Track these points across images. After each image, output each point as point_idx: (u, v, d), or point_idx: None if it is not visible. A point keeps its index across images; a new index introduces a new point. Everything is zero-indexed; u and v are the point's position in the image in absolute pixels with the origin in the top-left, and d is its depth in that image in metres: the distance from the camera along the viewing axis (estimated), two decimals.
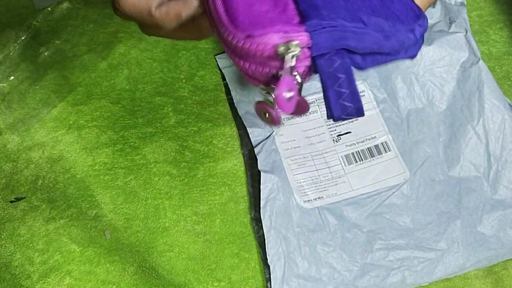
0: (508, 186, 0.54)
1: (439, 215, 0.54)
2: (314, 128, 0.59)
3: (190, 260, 0.54)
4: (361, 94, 0.59)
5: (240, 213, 0.56)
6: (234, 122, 0.60)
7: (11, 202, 0.57)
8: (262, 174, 0.55)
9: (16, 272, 0.54)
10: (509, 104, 0.58)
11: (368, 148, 0.57)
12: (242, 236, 0.55)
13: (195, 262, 0.54)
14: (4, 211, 0.57)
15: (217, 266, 0.54)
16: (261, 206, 0.54)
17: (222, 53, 0.63)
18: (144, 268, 0.54)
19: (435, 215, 0.54)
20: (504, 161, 0.55)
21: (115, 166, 0.59)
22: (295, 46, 0.30)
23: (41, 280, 0.53)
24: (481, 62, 0.59)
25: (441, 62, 0.59)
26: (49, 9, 0.65)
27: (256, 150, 0.57)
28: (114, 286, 0.53)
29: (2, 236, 0.55)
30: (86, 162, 0.59)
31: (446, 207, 0.54)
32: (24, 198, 0.57)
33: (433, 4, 0.63)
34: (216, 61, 0.62)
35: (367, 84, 0.60)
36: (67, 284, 0.53)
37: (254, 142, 0.58)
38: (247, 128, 0.58)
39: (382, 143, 0.57)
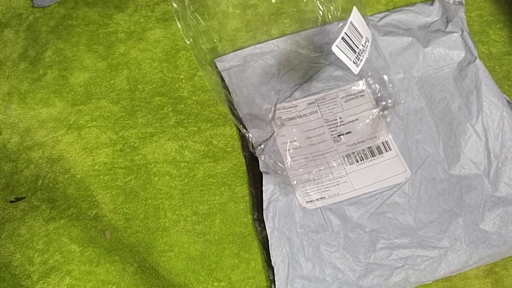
0: (508, 183, 0.55)
1: (441, 213, 0.54)
2: (315, 129, 0.58)
3: (190, 260, 0.54)
4: (361, 93, 0.59)
5: (240, 213, 0.56)
6: (234, 122, 0.60)
7: (11, 202, 0.57)
8: (264, 175, 0.55)
9: (16, 272, 0.54)
10: (507, 101, 0.58)
11: (369, 147, 0.57)
12: (242, 236, 0.55)
13: (195, 262, 0.54)
14: (4, 211, 0.56)
15: (217, 266, 0.54)
16: (264, 207, 0.54)
17: (221, 55, 0.63)
18: (144, 268, 0.54)
19: (437, 214, 0.54)
20: (504, 158, 0.55)
21: (115, 166, 0.58)
22: None
23: (41, 280, 0.53)
24: (478, 60, 0.59)
25: (439, 62, 0.60)
26: (49, 9, 0.65)
27: (257, 151, 0.56)
28: (114, 286, 0.53)
29: (2, 236, 0.55)
30: (86, 162, 0.58)
31: (447, 205, 0.54)
32: (24, 198, 0.57)
33: (431, 2, 0.63)
34: (215, 64, 0.62)
35: (367, 83, 0.60)
36: (67, 284, 0.53)
37: (255, 144, 0.57)
38: (248, 130, 0.58)
39: (382, 142, 0.57)
